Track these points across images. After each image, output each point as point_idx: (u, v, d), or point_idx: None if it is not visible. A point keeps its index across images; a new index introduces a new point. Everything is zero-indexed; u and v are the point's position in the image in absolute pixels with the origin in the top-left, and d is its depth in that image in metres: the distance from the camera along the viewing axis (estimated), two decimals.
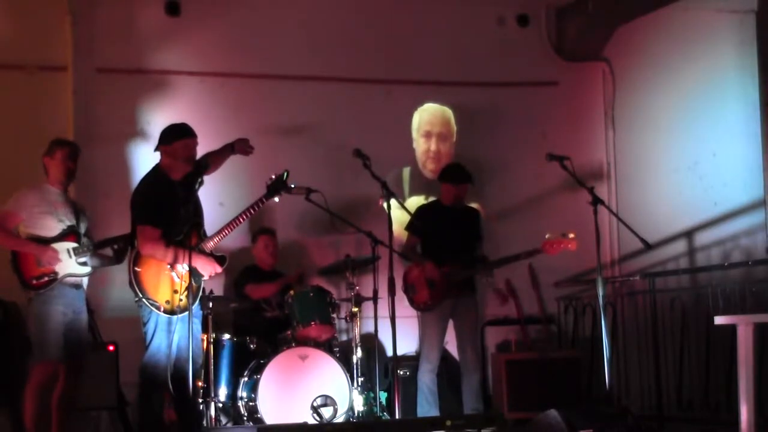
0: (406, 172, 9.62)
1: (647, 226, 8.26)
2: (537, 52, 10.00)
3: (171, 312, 6.75)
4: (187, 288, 6.71)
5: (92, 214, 8.44)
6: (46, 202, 7.09)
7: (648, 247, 7.61)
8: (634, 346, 9.17)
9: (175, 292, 6.75)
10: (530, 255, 8.11)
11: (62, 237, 7.07)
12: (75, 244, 7.09)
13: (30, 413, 6.91)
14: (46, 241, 7.00)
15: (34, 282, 6.93)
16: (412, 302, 8.19)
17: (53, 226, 7.06)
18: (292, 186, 7.88)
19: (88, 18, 8.83)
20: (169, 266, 6.75)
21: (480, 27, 9.83)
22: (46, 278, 6.95)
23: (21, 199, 7.09)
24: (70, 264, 7.04)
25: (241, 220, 7.09)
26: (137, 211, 6.88)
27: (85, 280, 7.20)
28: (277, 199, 7.28)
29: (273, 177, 7.28)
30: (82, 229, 7.23)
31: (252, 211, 7.17)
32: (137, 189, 7.01)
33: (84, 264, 7.11)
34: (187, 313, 6.70)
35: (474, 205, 8.89)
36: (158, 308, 6.73)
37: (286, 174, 7.27)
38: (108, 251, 7.31)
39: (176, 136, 6.96)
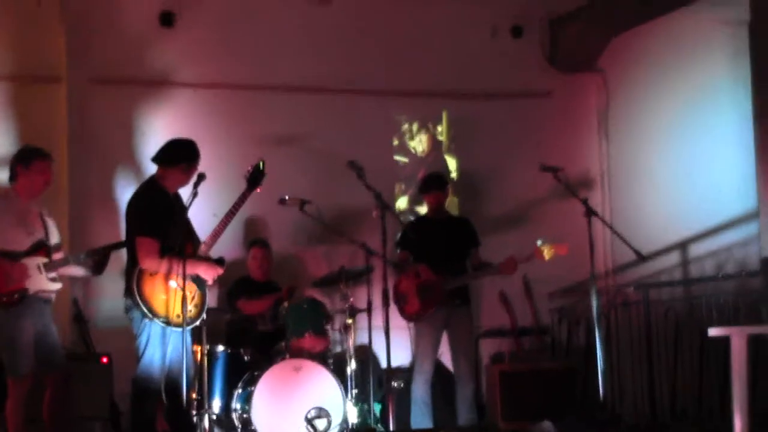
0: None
1: (641, 236, 8.28)
2: (531, 63, 10.03)
3: (180, 325, 6.67)
4: (183, 298, 6.66)
5: (86, 225, 8.51)
6: (14, 213, 6.87)
7: (642, 258, 7.64)
8: (628, 357, 9.17)
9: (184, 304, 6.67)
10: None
11: (33, 251, 6.84)
12: (45, 259, 6.86)
13: (13, 429, 6.76)
14: (15, 256, 6.76)
15: (4, 299, 6.67)
16: (403, 312, 8.18)
17: (23, 240, 6.82)
18: (286, 198, 7.89)
19: (82, 28, 8.83)
20: (173, 282, 6.69)
21: (474, 38, 9.83)
22: (17, 295, 6.70)
23: None
24: (41, 279, 6.82)
25: (228, 219, 7.01)
26: (135, 223, 6.82)
27: (53, 295, 6.99)
28: (258, 190, 7.21)
29: (250, 168, 7.22)
30: (53, 241, 7.03)
31: (237, 207, 7.08)
32: (134, 201, 6.97)
33: (54, 279, 6.91)
34: (182, 324, 6.69)
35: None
36: (169, 323, 6.67)
37: (262, 164, 7.19)
38: (89, 262, 7.12)
39: (178, 160, 6.97)
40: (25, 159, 7.00)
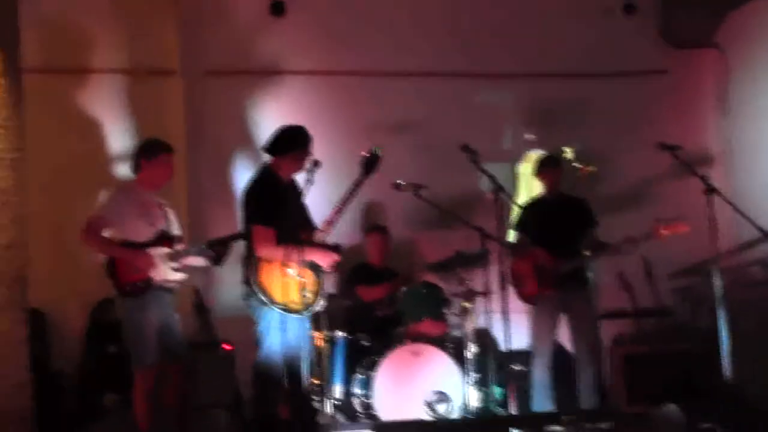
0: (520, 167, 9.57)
1: (765, 214, 8.05)
2: (645, 40, 9.88)
3: (298, 311, 6.76)
4: (301, 285, 6.71)
5: (203, 216, 8.63)
6: (137, 204, 6.98)
7: (766, 236, 7.42)
8: (755, 339, 8.93)
9: (302, 290, 6.72)
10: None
11: (156, 242, 6.95)
12: (168, 250, 6.97)
13: (141, 418, 6.87)
14: (139, 246, 6.88)
15: (129, 288, 6.80)
16: (520, 295, 8.12)
17: (146, 231, 6.94)
18: (400, 183, 7.86)
19: (195, 21, 8.96)
20: (290, 269, 6.74)
21: (586, 16, 9.73)
22: (141, 285, 6.83)
23: (112, 202, 6.94)
24: (165, 270, 6.94)
25: (344, 206, 7.03)
26: (251, 212, 6.90)
27: (176, 285, 7.09)
28: (373, 176, 7.20)
29: (365, 154, 7.19)
30: (174, 232, 7.14)
31: (352, 193, 7.09)
32: (249, 190, 7.04)
33: (177, 270, 7.01)
34: (300, 311, 6.74)
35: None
36: (287, 310, 6.74)
37: (377, 150, 7.18)
38: (211, 252, 7.16)
39: (289, 148, 7.02)
40: (150, 152, 7.12)
